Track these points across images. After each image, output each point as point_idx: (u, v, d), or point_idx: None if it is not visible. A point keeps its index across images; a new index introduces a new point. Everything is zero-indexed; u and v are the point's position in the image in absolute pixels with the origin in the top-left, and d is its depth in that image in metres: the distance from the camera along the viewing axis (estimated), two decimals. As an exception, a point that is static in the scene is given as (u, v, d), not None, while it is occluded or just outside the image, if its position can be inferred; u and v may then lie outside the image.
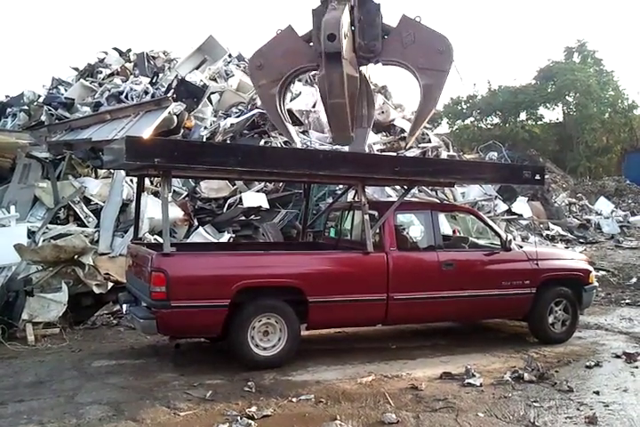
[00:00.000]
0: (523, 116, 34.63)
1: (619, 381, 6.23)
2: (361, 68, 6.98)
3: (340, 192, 10.25)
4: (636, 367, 6.68)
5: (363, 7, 6.47)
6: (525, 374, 6.21)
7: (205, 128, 12.84)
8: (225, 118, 13.50)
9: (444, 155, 16.59)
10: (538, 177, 7.99)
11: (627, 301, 10.48)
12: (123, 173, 9.54)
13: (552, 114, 35.09)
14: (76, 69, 17.46)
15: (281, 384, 5.99)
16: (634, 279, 12.26)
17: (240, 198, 11.40)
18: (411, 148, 6.68)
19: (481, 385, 5.98)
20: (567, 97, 32.68)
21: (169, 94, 12.67)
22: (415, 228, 7.55)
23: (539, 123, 34.67)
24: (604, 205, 22.72)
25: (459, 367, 6.47)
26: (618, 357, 7.08)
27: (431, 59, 6.37)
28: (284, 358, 6.50)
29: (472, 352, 7.24)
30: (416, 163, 8.23)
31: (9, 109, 14.79)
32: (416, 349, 7.42)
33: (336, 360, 6.81)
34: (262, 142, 12.43)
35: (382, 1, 6.60)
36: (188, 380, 6.06)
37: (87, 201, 10.41)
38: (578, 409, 5.40)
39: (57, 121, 12.88)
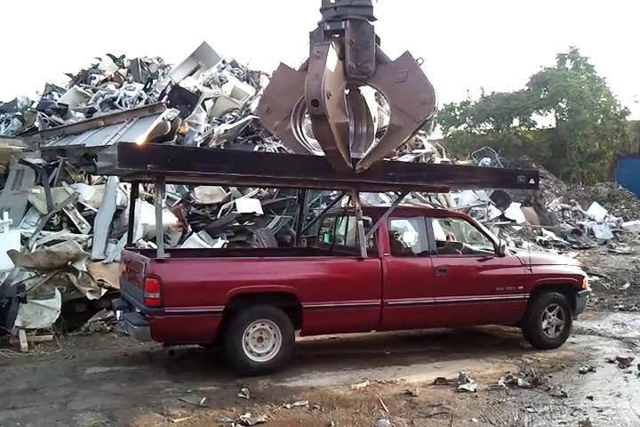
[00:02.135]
0: (516, 122, 34.84)
1: (612, 386, 6.25)
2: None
3: (334, 198, 10.26)
4: (630, 372, 6.70)
5: (357, 29, 6.41)
6: (519, 380, 6.23)
7: (199, 134, 12.82)
8: (219, 124, 13.49)
9: (437, 161, 16.63)
10: (532, 181, 8.01)
11: (620, 306, 10.52)
12: (116, 179, 9.53)
13: (545, 120, 35.34)
14: (70, 75, 17.43)
15: (275, 390, 5.98)
16: (626, 285, 12.30)
17: (234, 204, 11.39)
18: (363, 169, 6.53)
19: (475, 391, 5.99)
20: (560, 103, 32.85)
21: (163, 100, 12.66)
22: (409, 233, 7.57)
23: (531, 129, 34.86)
24: (596, 210, 22.81)
25: (453, 373, 6.47)
26: (611, 362, 7.10)
27: (411, 105, 6.24)
28: (278, 365, 6.50)
29: (466, 358, 7.25)
30: (410, 168, 8.21)
31: (2, 115, 14.72)
32: (410, 354, 7.42)
33: (330, 366, 6.81)
34: (256, 148, 12.44)
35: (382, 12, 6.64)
36: (182, 386, 6.05)
37: (81, 207, 10.39)
38: (572, 414, 5.41)
39: (50, 127, 12.85)
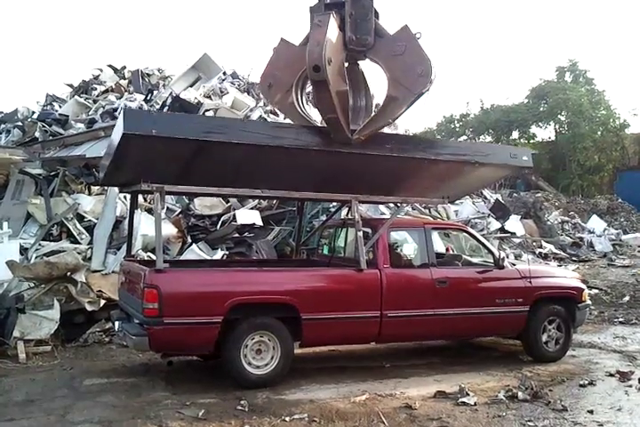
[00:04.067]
0: (515, 134, 34.90)
1: (613, 400, 6.22)
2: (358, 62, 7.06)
3: (333, 209, 10.26)
4: (630, 386, 6.67)
5: (357, 2, 6.54)
6: (519, 393, 6.20)
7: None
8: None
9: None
10: (525, 158, 7.92)
11: (620, 319, 10.48)
12: (116, 189, 9.53)
13: (544, 133, 35.40)
14: (71, 86, 17.51)
15: (274, 403, 5.94)
16: (626, 298, 12.26)
17: (234, 215, 11.39)
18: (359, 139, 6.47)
19: (475, 404, 5.96)
20: (559, 116, 32.94)
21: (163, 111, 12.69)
22: (409, 245, 7.55)
23: (531, 141, 34.91)
24: (596, 223, 22.78)
25: (453, 386, 6.44)
26: (612, 375, 7.07)
27: (408, 77, 6.35)
28: (277, 377, 6.46)
29: (466, 371, 7.22)
30: (406, 140, 7.90)
31: (3, 126, 14.79)
32: (410, 367, 7.39)
33: (329, 379, 6.77)
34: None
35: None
36: (181, 399, 6.01)
37: (80, 218, 10.38)
38: (572, 428, 5.38)
39: (51, 137, 12.89)
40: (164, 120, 6.26)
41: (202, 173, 6.53)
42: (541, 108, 33.25)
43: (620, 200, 27.78)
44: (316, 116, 7.19)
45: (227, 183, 6.93)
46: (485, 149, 8.24)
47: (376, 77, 6.82)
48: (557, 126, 33.85)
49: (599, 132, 32.40)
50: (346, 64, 6.71)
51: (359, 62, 7.00)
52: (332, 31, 6.14)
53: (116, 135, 6.06)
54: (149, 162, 6.21)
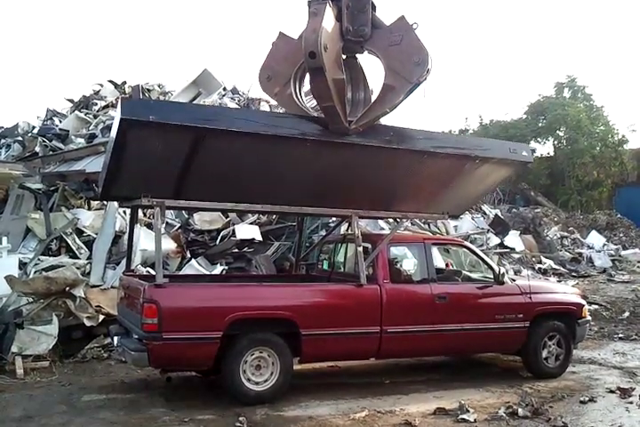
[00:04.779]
0: (514, 150, 34.86)
1: (613, 416, 6.19)
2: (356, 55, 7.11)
3: (333, 225, 10.26)
4: (631, 403, 6.64)
5: None
6: (520, 410, 6.17)
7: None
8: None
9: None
10: (525, 153, 7.92)
11: (620, 335, 10.45)
12: (115, 204, 9.54)
13: (543, 148, 35.36)
14: (71, 101, 17.56)
15: (273, 420, 5.91)
16: (626, 313, 12.23)
17: (233, 230, 11.39)
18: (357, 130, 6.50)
19: (475, 421, 5.93)
20: (558, 131, 33.00)
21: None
22: (408, 260, 7.55)
23: (530, 157, 34.94)
24: (595, 238, 22.77)
25: (452, 403, 6.41)
26: (612, 392, 7.04)
27: (405, 66, 6.45)
28: (276, 393, 6.43)
29: (466, 387, 7.19)
30: (405, 132, 7.48)
31: (3, 140, 14.81)
32: (409, 383, 7.36)
33: (329, 395, 6.74)
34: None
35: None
36: (179, 415, 5.98)
37: (80, 232, 10.37)
38: (573, 446, 5.35)
39: (51, 152, 12.91)
40: (161, 107, 6.27)
41: (201, 173, 6.40)
42: (540, 124, 33.33)
43: (618, 216, 27.79)
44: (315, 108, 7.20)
45: (226, 187, 6.76)
46: (484, 143, 8.21)
47: (375, 72, 6.90)
48: (556, 142, 33.89)
49: (598, 148, 32.43)
50: (344, 56, 6.77)
51: (358, 56, 7.09)
52: (328, 20, 6.23)
53: (114, 129, 6.07)
54: (147, 162, 6.13)
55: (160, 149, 6.05)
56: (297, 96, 7.12)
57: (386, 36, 6.59)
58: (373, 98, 6.88)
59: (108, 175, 6.42)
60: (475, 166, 7.57)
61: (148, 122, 5.68)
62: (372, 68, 6.96)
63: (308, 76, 6.66)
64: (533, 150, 8.54)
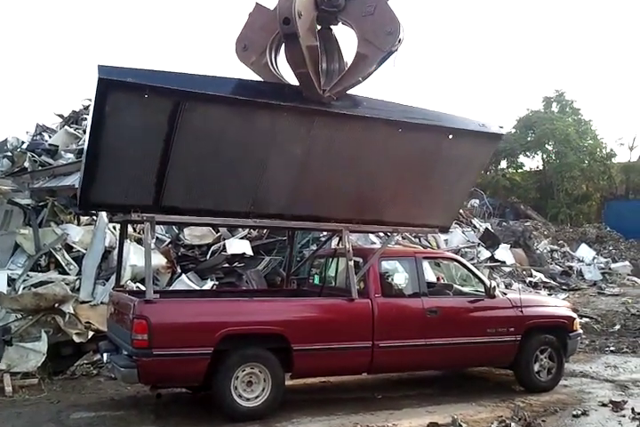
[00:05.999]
0: (503, 164, 35.13)
1: (606, 430, 6.17)
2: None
3: (324, 239, 10.25)
4: (624, 416, 6.62)
5: None
6: (512, 424, 6.14)
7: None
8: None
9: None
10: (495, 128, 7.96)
11: (611, 348, 10.45)
12: (105, 219, 9.50)
13: (532, 162, 35.69)
14: (61, 116, 17.52)
15: (264, 436, 5.86)
16: (617, 326, 12.26)
17: (224, 245, 11.36)
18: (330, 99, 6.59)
19: (468, 436, 5.90)
20: (546, 145, 33.26)
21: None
22: (399, 275, 7.54)
23: (519, 171, 35.21)
24: (585, 251, 22.90)
25: (445, 417, 6.38)
26: (604, 405, 7.02)
27: (378, 35, 6.61)
28: (267, 409, 6.38)
29: (458, 402, 7.15)
30: (384, 104, 7.49)
31: (-8, 156, 14.74)
32: (402, 398, 7.32)
33: (321, 411, 6.69)
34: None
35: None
36: (170, 432, 5.92)
37: (69, 248, 10.31)
38: (566, 460, 5.33)
39: (40, 168, 12.84)
40: (140, 72, 6.12)
41: (182, 159, 6.29)
42: (529, 138, 33.60)
43: (608, 229, 27.99)
44: (290, 77, 7.21)
45: (207, 184, 6.62)
46: (453, 118, 8.10)
47: (349, 45, 7.01)
48: (545, 156, 34.16)
49: (586, 162, 32.70)
50: (319, 27, 6.87)
51: (332, 28, 7.17)
52: None
53: (92, 102, 6.02)
54: (126, 148, 6.10)
55: (140, 124, 6.01)
56: (272, 64, 7.23)
57: (359, 7, 6.75)
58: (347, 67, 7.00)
59: (87, 170, 6.48)
60: (450, 146, 7.50)
61: (126, 83, 5.70)
62: (347, 41, 7.10)
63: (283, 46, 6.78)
64: (502, 127, 8.56)
